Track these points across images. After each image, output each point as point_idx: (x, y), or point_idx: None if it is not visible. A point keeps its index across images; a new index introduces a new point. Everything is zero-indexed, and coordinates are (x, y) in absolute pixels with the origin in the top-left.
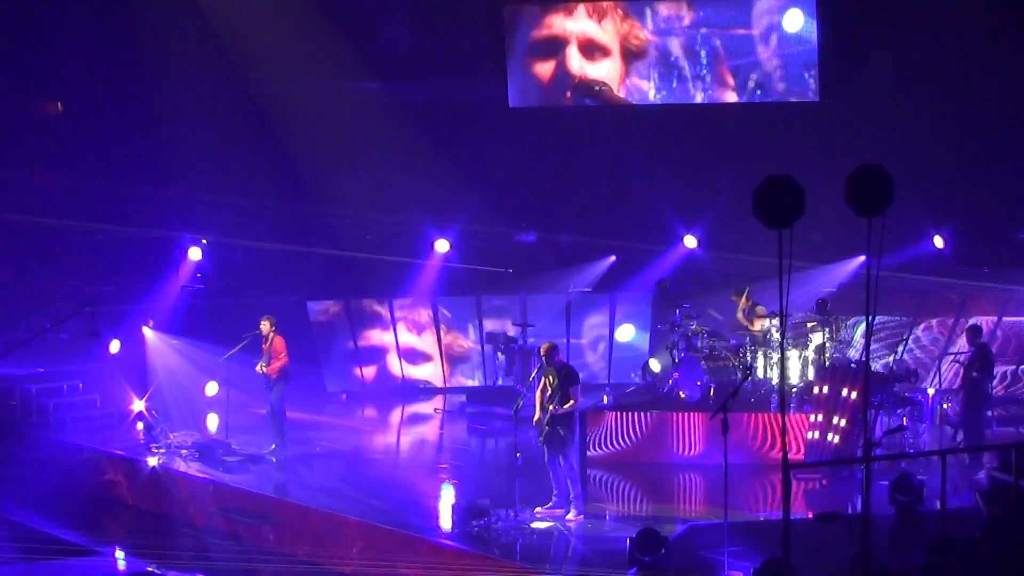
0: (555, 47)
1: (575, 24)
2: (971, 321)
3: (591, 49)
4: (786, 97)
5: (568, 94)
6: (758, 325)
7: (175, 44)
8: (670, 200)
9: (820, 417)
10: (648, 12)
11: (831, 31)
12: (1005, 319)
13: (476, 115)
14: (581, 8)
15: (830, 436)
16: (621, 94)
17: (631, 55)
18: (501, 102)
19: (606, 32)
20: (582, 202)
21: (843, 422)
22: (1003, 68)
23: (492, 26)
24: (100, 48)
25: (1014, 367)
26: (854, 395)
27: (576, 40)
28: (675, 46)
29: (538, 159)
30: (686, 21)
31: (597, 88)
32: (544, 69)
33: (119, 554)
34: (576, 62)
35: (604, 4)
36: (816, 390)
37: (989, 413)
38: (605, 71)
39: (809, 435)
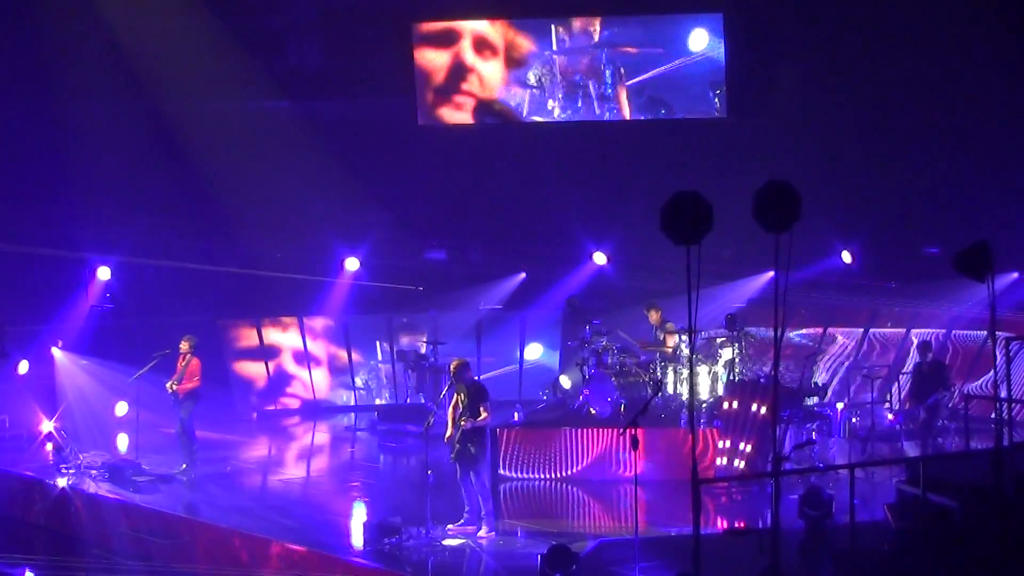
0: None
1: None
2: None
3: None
4: (689, 115)
5: (470, 115)
6: (670, 342)
7: (83, 63)
8: (579, 217)
9: (728, 443)
10: (554, 29)
11: (738, 50)
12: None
13: (385, 133)
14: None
15: (737, 462)
16: (525, 112)
17: (514, 63)
18: (410, 120)
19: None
20: (492, 220)
21: (749, 447)
22: (908, 85)
23: (400, 44)
24: (5, 67)
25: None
26: (763, 410)
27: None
28: (579, 65)
29: (447, 177)
30: (595, 38)
31: (497, 108)
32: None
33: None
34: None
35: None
36: (726, 405)
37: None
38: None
39: (718, 461)
